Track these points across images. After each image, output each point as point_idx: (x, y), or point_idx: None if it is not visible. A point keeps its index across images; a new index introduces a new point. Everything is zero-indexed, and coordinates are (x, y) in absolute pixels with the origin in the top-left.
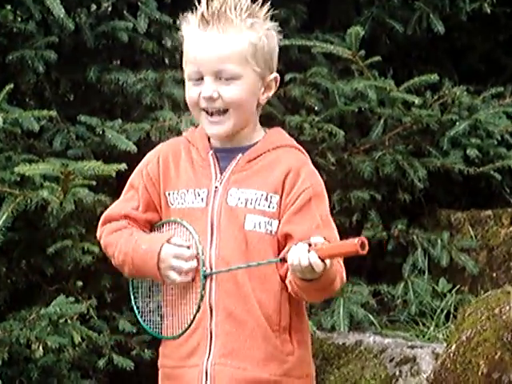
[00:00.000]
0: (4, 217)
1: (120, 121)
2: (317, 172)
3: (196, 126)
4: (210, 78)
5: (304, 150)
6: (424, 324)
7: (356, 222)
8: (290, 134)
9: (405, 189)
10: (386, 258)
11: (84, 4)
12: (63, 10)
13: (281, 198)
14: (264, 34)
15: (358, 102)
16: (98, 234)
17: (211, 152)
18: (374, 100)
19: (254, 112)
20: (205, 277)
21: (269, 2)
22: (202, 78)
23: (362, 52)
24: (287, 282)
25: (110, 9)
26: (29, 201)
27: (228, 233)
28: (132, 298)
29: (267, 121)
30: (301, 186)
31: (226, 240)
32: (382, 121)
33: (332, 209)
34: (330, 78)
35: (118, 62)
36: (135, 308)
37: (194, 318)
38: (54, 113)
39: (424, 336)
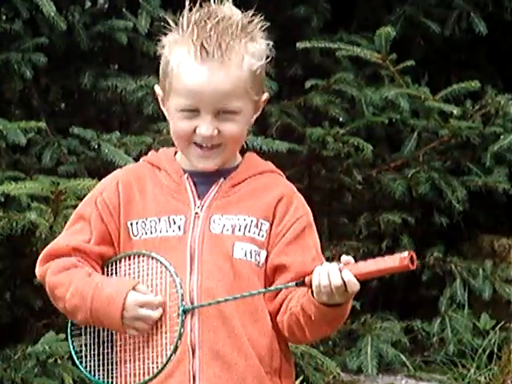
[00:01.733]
0: None
1: (118, 133)
2: (304, 200)
3: (157, 150)
4: (209, 115)
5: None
6: (464, 366)
7: (386, 249)
8: (310, 148)
9: (442, 211)
10: (420, 289)
11: (77, 1)
12: (54, 8)
13: (271, 225)
14: (262, 61)
15: (389, 112)
16: (38, 273)
17: (186, 175)
18: (406, 110)
19: (243, 140)
20: (184, 312)
21: (261, 17)
22: (196, 111)
23: (393, 56)
24: (285, 316)
25: (106, 6)
26: (14, 224)
27: (212, 262)
28: (70, 340)
29: (286, 133)
30: (294, 214)
31: (209, 270)
32: (415, 134)
33: (359, 233)
34: (357, 85)
35: (116, 67)
36: (74, 353)
37: (169, 359)
38: (43, 124)
39: (464, 379)
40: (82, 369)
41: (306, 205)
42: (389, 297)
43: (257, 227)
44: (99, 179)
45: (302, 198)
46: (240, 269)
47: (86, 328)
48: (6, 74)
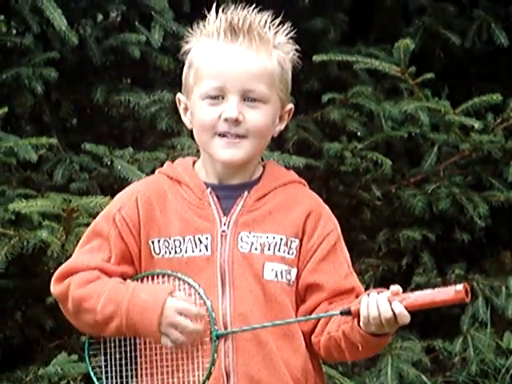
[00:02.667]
0: None
1: (131, 149)
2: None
3: (172, 161)
4: (236, 98)
5: (306, 184)
6: None
7: (406, 266)
8: (328, 163)
9: (463, 227)
10: (441, 308)
11: (89, 14)
12: (65, 22)
13: (301, 242)
14: (289, 56)
15: (408, 126)
16: (56, 290)
17: (209, 190)
18: (426, 124)
19: (266, 145)
20: (217, 337)
21: (289, 24)
22: (222, 97)
23: (413, 68)
24: (322, 338)
25: (119, 19)
26: (25, 242)
27: (243, 284)
28: (87, 359)
29: (303, 148)
30: (323, 229)
31: (241, 293)
32: (435, 148)
33: (378, 250)
34: (375, 98)
35: (129, 81)
36: (92, 373)
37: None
38: (54, 140)
39: None
40: None
41: (333, 216)
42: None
43: (286, 245)
44: (112, 196)
45: (329, 209)
46: (271, 290)
47: (105, 348)
48: (17, 89)
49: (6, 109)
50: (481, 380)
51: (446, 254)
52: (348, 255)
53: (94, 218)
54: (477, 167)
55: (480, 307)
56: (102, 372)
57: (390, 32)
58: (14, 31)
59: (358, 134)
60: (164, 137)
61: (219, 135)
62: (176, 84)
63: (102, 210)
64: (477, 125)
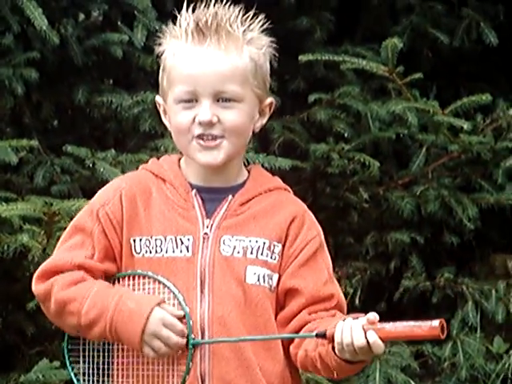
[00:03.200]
0: None
1: (113, 151)
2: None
3: (158, 158)
4: (208, 100)
5: (290, 190)
6: None
7: (394, 270)
8: (315, 164)
9: (452, 230)
10: (429, 312)
11: (70, 14)
12: (46, 21)
13: (283, 247)
14: (263, 51)
15: (396, 127)
16: (38, 289)
17: (194, 191)
18: (414, 125)
19: (247, 142)
20: (193, 346)
21: (262, 15)
22: (195, 100)
23: (400, 68)
24: (300, 353)
25: (101, 19)
26: (5, 247)
27: (223, 287)
28: (68, 365)
29: (289, 150)
30: (306, 235)
31: (221, 296)
32: (423, 149)
33: (365, 254)
34: (362, 99)
35: (111, 82)
36: (74, 378)
37: None
38: (35, 142)
39: None
40: None
41: (317, 223)
42: (398, 320)
43: (269, 250)
44: None
45: (313, 215)
46: (253, 295)
47: (83, 356)
48: None
49: None
50: None
51: (435, 258)
52: (330, 263)
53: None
54: (466, 169)
55: (470, 311)
56: (80, 374)
57: (377, 31)
58: None
59: (345, 135)
60: (147, 138)
61: (197, 137)
62: (159, 84)
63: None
64: (466, 125)
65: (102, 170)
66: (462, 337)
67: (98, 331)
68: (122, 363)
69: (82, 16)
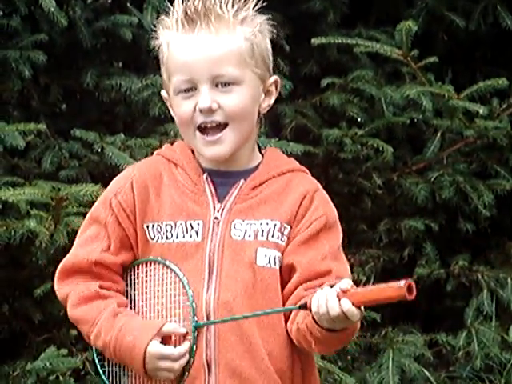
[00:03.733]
0: None
1: (122, 136)
2: (330, 200)
3: (172, 143)
4: (206, 87)
5: (308, 172)
6: (491, 381)
7: (408, 258)
8: (327, 150)
9: (467, 217)
10: (444, 300)
11: None
12: (54, 3)
13: (291, 228)
14: (258, 28)
15: (410, 112)
16: (58, 293)
17: (205, 175)
18: (429, 110)
19: (255, 124)
20: (196, 328)
21: None
22: (194, 88)
23: (415, 52)
24: (293, 327)
25: (109, 1)
26: (12, 232)
27: (232, 272)
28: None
29: (301, 135)
30: (313, 213)
31: (229, 281)
32: (438, 135)
33: (379, 241)
34: (376, 83)
35: (120, 65)
36: (97, 360)
37: (183, 379)
38: (42, 126)
39: None
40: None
41: (330, 202)
42: (411, 308)
43: (280, 231)
44: (102, 184)
45: (326, 194)
46: (263, 277)
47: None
48: (4, 73)
49: None
50: (485, 375)
51: (450, 245)
52: (337, 243)
53: (84, 206)
54: (481, 154)
55: (485, 300)
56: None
57: (391, 14)
58: (1, 13)
59: (359, 119)
60: (157, 123)
61: (200, 131)
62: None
63: (92, 198)
64: (481, 110)
65: (110, 154)
66: (476, 325)
67: (108, 356)
68: None
69: None
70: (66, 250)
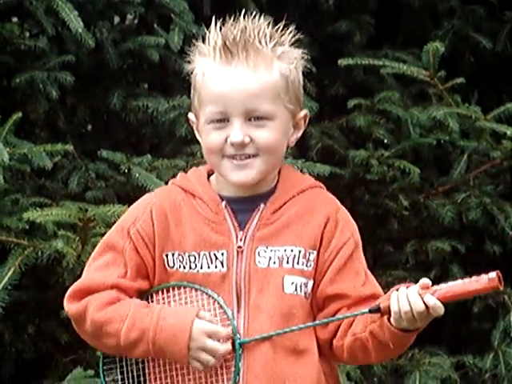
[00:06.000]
0: (10, 272)
1: (149, 156)
2: (349, 215)
3: (186, 172)
4: (239, 120)
5: (324, 186)
6: None
7: (434, 279)
8: (353, 171)
9: (494, 238)
10: (471, 322)
11: (106, 16)
12: (82, 24)
13: (318, 253)
14: (294, 63)
15: (437, 133)
16: (72, 309)
17: (224, 203)
18: (455, 131)
19: (282, 157)
20: (240, 345)
21: (293, 26)
22: (226, 120)
23: (442, 73)
24: (346, 341)
25: (136, 22)
26: (40, 253)
27: (259, 302)
28: (102, 376)
29: (327, 156)
30: (340, 237)
31: (257, 311)
32: (465, 156)
33: (405, 262)
34: (403, 104)
35: (147, 86)
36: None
37: None
38: (69, 147)
39: None
40: None
41: (351, 220)
42: (438, 330)
43: (305, 258)
44: (129, 205)
45: (346, 212)
46: (291, 305)
47: (120, 366)
48: (31, 94)
49: (19, 114)
50: None
51: (476, 267)
52: (364, 260)
53: (111, 227)
54: (508, 176)
55: (511, 322)
56: None
57: (417, 35)
58: (28, 34)
59: (385, 141)
60: (183, 143)
61: (228, 157)
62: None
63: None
64: (509, 132)
65: (137, 175)
66: (503, 348)
67: (140, 351)
68: (160, 372)
69: (117, 19)
70: None
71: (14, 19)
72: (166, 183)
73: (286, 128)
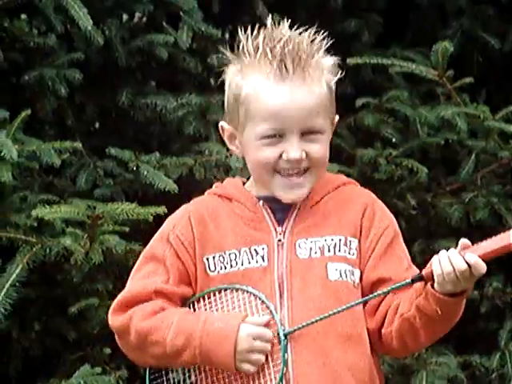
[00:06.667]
0: (18, 269)
1: (157, 154)
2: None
3: (221, 181)
4: (297, 137)
5: (357, 183)
6: None
7: None
8: (361, 170)
9: None
10: (478, 322)
11: (114, 14)
12: (90, 21)
13: (359, 242)
14: (338, 74)
15: (445, 132)
16: (117, 322)
17: (261, 202)
18: (464, 130)
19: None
20: (285, 336)
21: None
22: (279, 136)
23: (450, 72)
24: (394, 325)
25: (145, 20)
26: (48, 250)
27: (304, 292)
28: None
29: (335, 155)
30: (379, 225)
31: (301, 300)
32: (473, 156)
33: (413, 261)
34: (411, 103)
35: (155, 84)
36: None
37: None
38: (78, 144)
39: None
40: None
41: (388, 211)
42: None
43: (346, 245)
44: (138, 202)
45: (382, 204)
46: (337, 291)
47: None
48: (40, 91)
49: (28, 111)
50: None
51: None
52: (406, 249)
53: (120, 225)
54: None
55: None
56: None
57: (426, 34)
58: (37, 31)
59: (393, 140)
60: (191, 141)
61: (281, 174)
62: (204, 87)
63: (128, 216)
64: None
65: (145, 173)
66: (510, 347)
67: (186, 358)
68: (206, 373)
69: (126, 17)
70: (100, 268)
71: (23, 16)
72: (174, 181)
73: (329, 139)
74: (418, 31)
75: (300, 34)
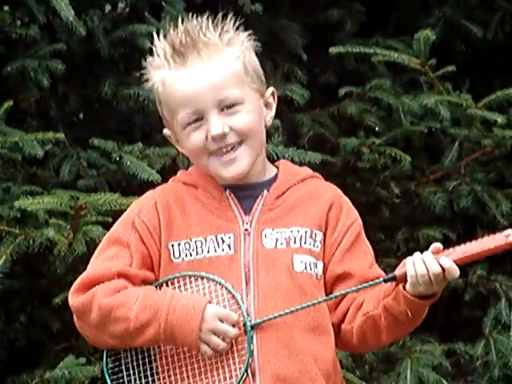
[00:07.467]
0: (1, 261)
1: (140, 145)
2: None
3: (187, 168)
4: (214, 113)
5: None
6: None
7: None
8: (345, 159)
9: (485, 226)
10: (462, 310)
11: (97, 4)
12: (72, 12)
13: (324, 235)
14: (244, 46)
15: (428, 121)
16: (78, 300)
17: (228, 191)
18: (446, 119)
19: (264, 138)
20: (252, 328)
21: (232, 16)
22: (201, 119)
23: (433, 61)
24: (356, 323)
25: (127, 10)
26: (31, 241)
27: (269, 282)
28: (106, 374)
29: (318, 144)
30: (346, 220)
31: (266, 289)
32: (456, 144)
33: (397, 250)
34: (394, 92)
35: (138, 74)
36: None
37: (241, 379)
38: (60, 135)
39: None
40: None
41: (353, 207)
42: (429, 317)
43: (311, 238)
44: (121, 193)
45: (348, 199)
46: (302, 283)
47: (126, 364)
48: (22, 82)
49: (10, 102)
50: None
51: None
52: (370, 245)
53: (103, 215)
54: (499, 164)
55: (503, 309)
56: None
57: (409, 23)
58: (19, 22)
59: (376, 129)
60: None
61: (214, 154)
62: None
63: (111, 207)
64: (500, 119)
65: (128, 163)
66: (494, 335)
67: (150, 334)
68: (169, 365)
69: (108, 7)
70: (84, 258)
71: (6, 7)
72: (157, 171)
73: (258, 108)
74: (401, 20)
75: (201, 21)
